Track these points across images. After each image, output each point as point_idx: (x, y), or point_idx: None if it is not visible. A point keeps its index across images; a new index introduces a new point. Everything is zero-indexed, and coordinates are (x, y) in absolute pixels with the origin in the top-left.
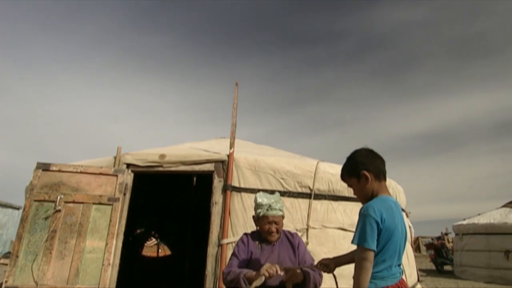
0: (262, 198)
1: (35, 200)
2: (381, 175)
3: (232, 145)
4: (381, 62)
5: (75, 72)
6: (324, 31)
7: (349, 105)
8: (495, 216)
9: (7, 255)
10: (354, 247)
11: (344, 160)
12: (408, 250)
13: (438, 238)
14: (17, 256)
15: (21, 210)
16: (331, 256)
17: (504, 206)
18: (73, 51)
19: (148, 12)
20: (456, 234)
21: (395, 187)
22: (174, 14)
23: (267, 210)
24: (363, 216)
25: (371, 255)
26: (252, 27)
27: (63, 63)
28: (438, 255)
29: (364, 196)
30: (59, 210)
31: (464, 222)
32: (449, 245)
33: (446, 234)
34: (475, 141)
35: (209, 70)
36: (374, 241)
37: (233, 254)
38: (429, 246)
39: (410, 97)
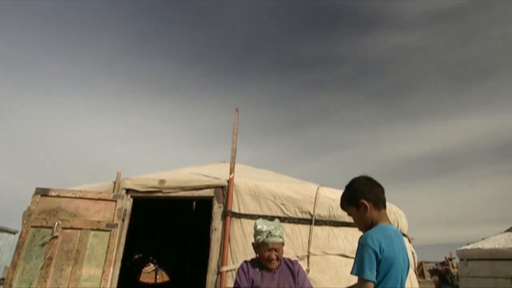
0: (262, 225)
1: (32, 226)
2: (380, 203)
3: (232, 170)
4: (379, 85)
5: (77, 95)
6: (323, 56)
7: (348, 128)
8: (499, 241)
9: (0, 282)
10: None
11: (345, 184)
12: (412, 276)
13: (442, 263)
14: (10, 285)
15: (17, 235)
16: (332, 284)
17: (508, 230)
18: (76, 76)
19: (151, 37)
20: (461, 260)
21: (396, 212)
22: (176, 39)
23: (267, 236)
24: (362, 246)
25: (370, 285)
26: (252, 51)
27: (65, 87)
28: (443, 281)
29: (364, 224)
30: (56, 237)
31: (468, 247)
32: (454, 271)
33: (450, 259)
34: (476, 163)
35: (210, 93)
36: (373, 272)
37: (236, 284)
38: (433, 272)
39: (409, 119)
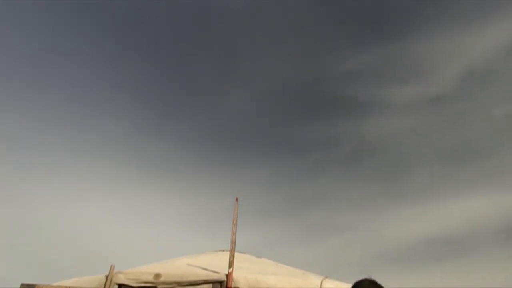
0: None
1: None
2: None
3: (231, 263)
4: (378, 167)
5: (71, 177)
6: (320, 138)
7: (350, 209)
8: None
9: None
10: None
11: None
12: None
13: None
14: None
15: None
16: None
17: None
18: (73, 156)
19: (150, 121)
20: None
21: None
22: (175, 122)
23: None
24: None
25: None
26: (250, 136)
27: (64, 170)
28: None
29: None
30: None
31: None
32: None
33: None
34: (484, 245)
35: (208, 176)
36: None
37: None
38: None
39: (409, 200)
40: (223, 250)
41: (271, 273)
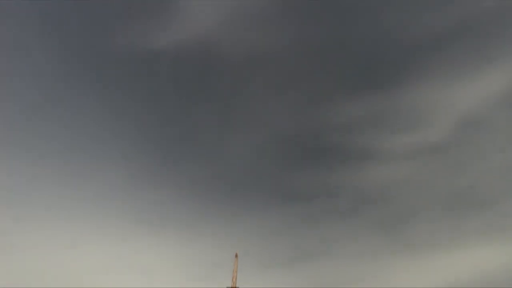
0: None
1: None
2: None
3: None
4: (379, 216)
5: (68, 225)
6: (319, 188)
7: (352, 260)
8: None
9: None
10: None
11: None
12: None
13: None
14: None
15: None
16: None
17: None
18: (70, 206)
19: (151, 169)
20: None
21: None
22: (176, 172)
23: None
24: None
25: None
26: (250, 185)
27: (63, 221)
28: None
29: None
30: None
31: None
32: None
33: None
34: None
35: (208, 226)
36: None
37: None
38: None
39: (412, 251)
40: None
41: None
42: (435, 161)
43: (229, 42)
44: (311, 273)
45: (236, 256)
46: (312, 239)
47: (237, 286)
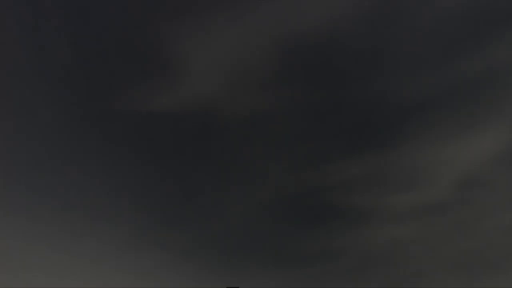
0: None
1: None
2: None
3: None
4: (384, 277)
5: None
6: (320, 249)
7: None
8: None
9: None
10: None
11: None
12: None
13: None
14: None
15: None
16: None
17: None
18: (64, 274)
19: (147, 230)
20: None
21: None
22: (174, 234)
23: None
24: None
25: None
26: (249, 248)
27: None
28: None
29: None
30: None
31: None
32: None
33: None
34: None
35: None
36: None
37: None
38: None
39: None
40: None
41: None
42: (440, 220)
43: (229, 103)
44: None
45: None
46: None
47: None
